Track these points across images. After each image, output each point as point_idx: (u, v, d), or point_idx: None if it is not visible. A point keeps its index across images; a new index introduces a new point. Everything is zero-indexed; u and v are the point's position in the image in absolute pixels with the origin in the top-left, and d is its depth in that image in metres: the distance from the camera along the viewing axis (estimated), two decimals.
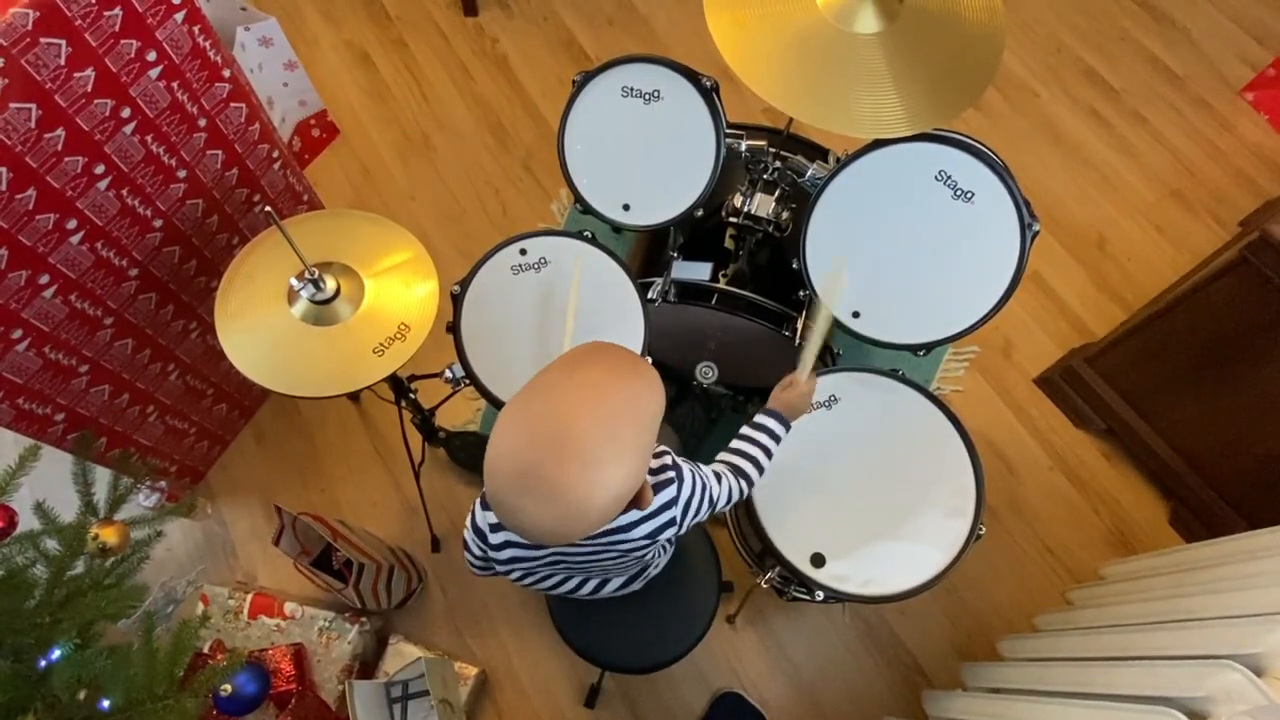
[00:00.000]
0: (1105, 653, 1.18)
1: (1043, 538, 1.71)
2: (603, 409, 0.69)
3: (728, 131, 1.25)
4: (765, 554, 1.26)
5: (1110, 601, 1.38)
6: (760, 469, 1.03)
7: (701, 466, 0.94)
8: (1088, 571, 1.67)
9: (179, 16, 1.13)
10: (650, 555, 1.07)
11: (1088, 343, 1.80)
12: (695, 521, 0.91)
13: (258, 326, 1.14)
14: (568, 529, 0.69)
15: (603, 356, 0.74)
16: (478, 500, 0.90)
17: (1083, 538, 1.71)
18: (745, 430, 1.04)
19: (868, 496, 1.21)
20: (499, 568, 0.94)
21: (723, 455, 1.04)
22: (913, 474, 1.22)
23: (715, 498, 0.93)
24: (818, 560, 1.17)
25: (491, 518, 0.87)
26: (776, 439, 1.04)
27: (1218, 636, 0.99)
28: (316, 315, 1.14)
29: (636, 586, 1.18)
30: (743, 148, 1.30)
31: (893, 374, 1.26)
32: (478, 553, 0.93)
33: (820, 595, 1.16)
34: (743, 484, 1.01)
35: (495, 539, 0.88)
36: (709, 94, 1.22)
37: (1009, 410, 1.84)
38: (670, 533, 0.89)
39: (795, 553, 1.17)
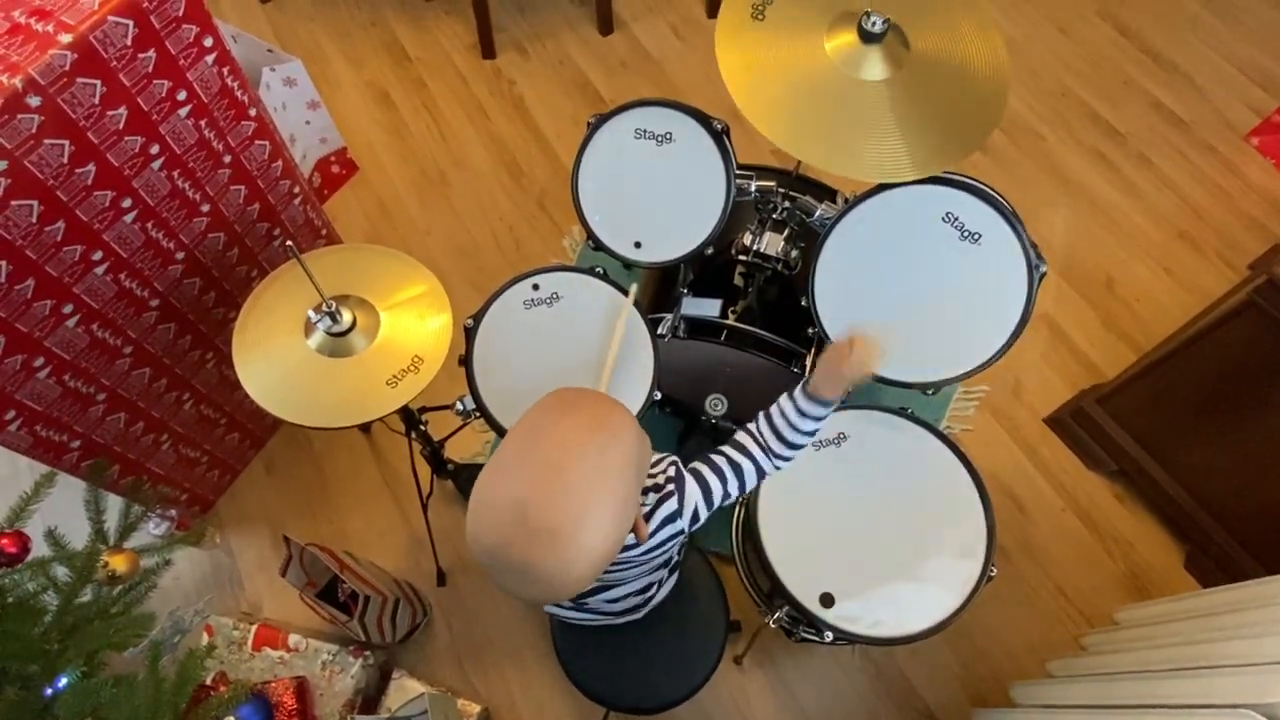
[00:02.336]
0: (1121, 700, 1.16)
1: (1055, 580, 1.69)
2: (565, 480, 0.69)
3: (738, 172, 1.28)
4: (774, 593, 1.24)
5: (1125, 647, 1.35)
6: (787, 454, 0.91)
7: (705, 469, 0.89)
8: (1101, 615, 1.64)
9: (210, 59, 1.17)
10: (665, 556, 1.04)
11: (1098, 383, 1.80)
12: (711, 515, 0.90)
13: (274, 357, 1.16)
14: (553, 597, 0.71)
15: (562, 416, 0.73)
16: None
17: (1096, 581, 1.69)
18: (775, 420, 0.90)
19: (877, 536, 1.20)
20: None
21: (753, 435, 0.92)
22: (923, 513, 1.21)
23: (730, 494, 0.89)
24: (827, 600, 1.16)
25: None
26: (812, 428, 0.89)
27: (1235, 685, 0.97)
28: (332, 347, 1.15)
29: (638, 616, 1.17)
30: (752, 188, 1.32)
31: (902, 412, 1.26)
32: None
33: (829, 636, 1.15)
34: (766, 464, 0.91)
35: None
36: (719, 136, 1.25)
37: (1019, 450, 1.83)
38: (679, 540, 0.90)
39: (804, 592, 1.16)
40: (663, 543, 0.87)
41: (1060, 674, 1.43)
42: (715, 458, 0.91)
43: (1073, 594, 1.68)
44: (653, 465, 0.89)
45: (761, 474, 0.91)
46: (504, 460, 0.71)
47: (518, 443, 0.72)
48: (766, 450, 0.91)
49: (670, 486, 0.87)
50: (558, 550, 0.68)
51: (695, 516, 0.88)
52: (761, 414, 0.92)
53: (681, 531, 0.88)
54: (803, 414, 0.88)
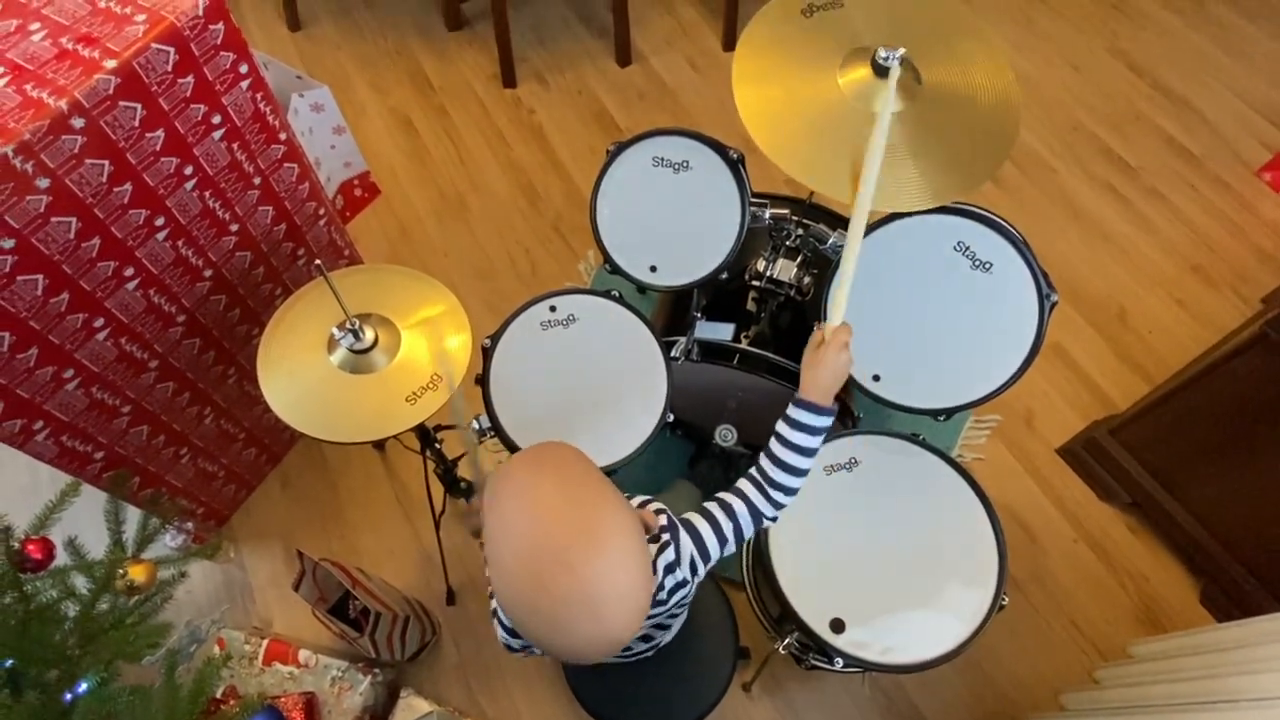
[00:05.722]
0: None
1: (1068, 612, 1.67)
2: (567, 507, 0.68)
3: (752, 200, 1.30)
4: (784, 619, 1.24)
5: (1140, 681, 1.34)
6: (783, 483, 0.90)
7: (698, 517, 0.90)
8: (1115, 649, 1.62)
9: (244, 84, 1.22)
10: (678, 607, 1.06)
11: (1111, 414, 1.79)
12: (713, 565, 0.89)
13: (297, 373, 1.18)
14: (628, 623, 0.68)
15: (514, 472, 0.72)
16: (497, 601, 0.90)
17: (1109, 613, 1.67)
18: (771, 444, 0.91)
19: (889, 562, 1.20)
20: (536, 650, 0.91)
21: (749, 474, 0.93)
22: (934, 541, 1.21)
23: (726, 539, 0.89)
24: (837, 626, 1.16)
25: None
26: (803, 443, 0.88)
27: (1252, 719, 0.96)
28: (354, 364, 1.18)
29: (649, 654, 1.17)
30: (766, 215, 1.35)
31: (914, 439, 1.27)
32: (519, 645, 0.91)
33: (840, 662, 1.15)
34: (762, 504, 0.91)
35: None
36: (735, 165, 1.27)
37: (1032, 480, 1.82)
38: (684, 592, 0.89)
39: (814, 618, 1.16)
40: (670, 592, 0.87)
41: (1073, 707, 1.41)
42: (709, 504, 0.91)
43: (1085, 626, 1.66)
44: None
45: (759, 517, 0.91)
46: (507, 562, 0.68)
47: (513, 542, 0.69)
48: (762, 486, 0.90)
49: (665, 536, 0.86)
50: (601, 560, 0.66)
51: (694, 566, 0.88)
52: (763, 450, 0.92)
53: (685, 582, 0.88)
54: (794, 425, 0.86)
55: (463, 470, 1.61)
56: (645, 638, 1.12)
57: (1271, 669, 1.06)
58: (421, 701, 1.51)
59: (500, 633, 0.92)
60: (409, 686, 1.55)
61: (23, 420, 1.21)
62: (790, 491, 0.91)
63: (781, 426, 0.90)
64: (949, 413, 1.24)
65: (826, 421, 0.88)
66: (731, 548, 0.90)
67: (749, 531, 0.91)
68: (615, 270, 1.35)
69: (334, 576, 1.39)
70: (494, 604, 0.94)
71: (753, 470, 0.92)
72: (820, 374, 0.86)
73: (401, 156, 2.33)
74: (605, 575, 0.66)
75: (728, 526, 0.89)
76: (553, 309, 1.27)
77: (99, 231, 1.14)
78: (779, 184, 2.18)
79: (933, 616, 1.16)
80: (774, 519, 0.92)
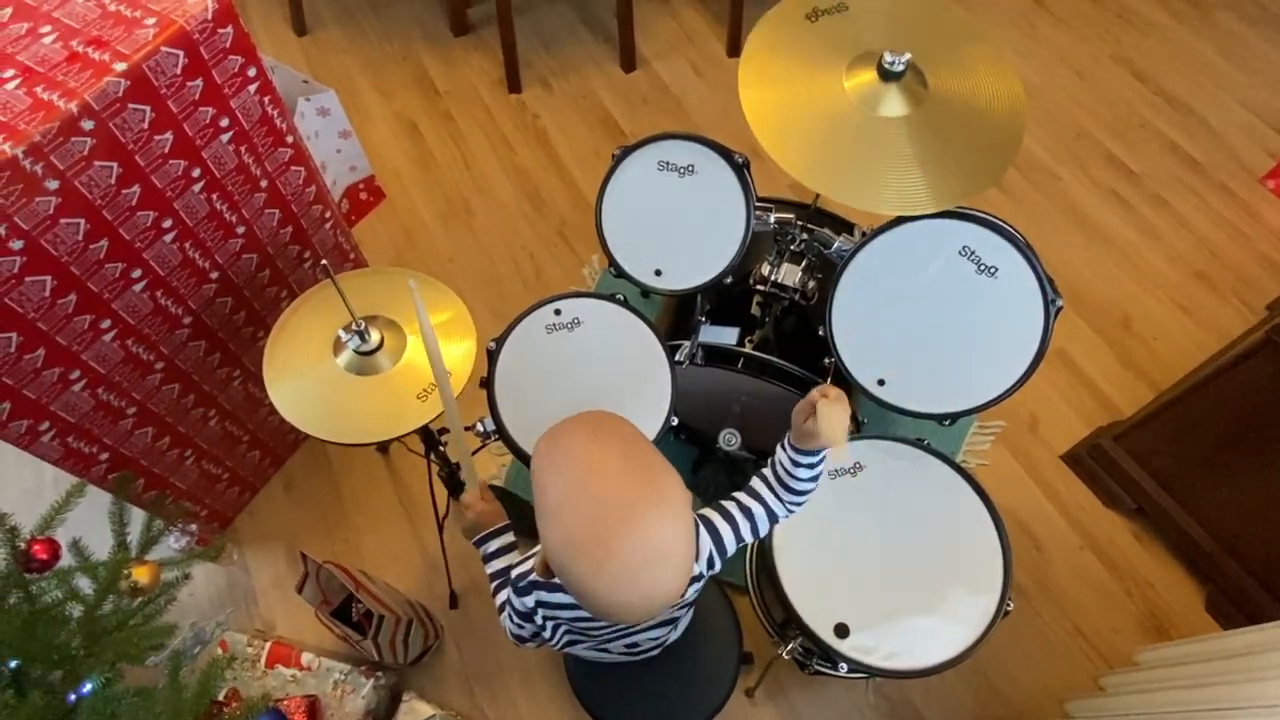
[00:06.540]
0: None
1: (1073, 619, 1.66)
2: (627, 465, 0.71)
3: (757, 204, 1.31)
4: (788, 623, 1.24)
5: (1145, 688, 1.33)
6: (792, 502, 0.93)
7: (717, 515, 0.92)
8: (1121, 656, 1.61)
9: (252, 88, 1.22)
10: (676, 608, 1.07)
11: (1115, 420, 1.79)
12: (725, 561, 0.91)
13: (303, 375, 1.19)
14: (676, 583, 0.70)
15: (569, 438, 0.75)
16: (508, 592, 0.92)
17: (1114, 621, 1.66)
18: (779, 466, 0.93)
19: (893, 567, 1.20)
20: (546, 634, 0.94)
21: (765, 478, 0.95)
22: (938, 546, 1.21)
23: (743, 539, 0.91)
24: (841, 631, 1.16)
25: (530, 601, 0.88)
26: (809, 475, 0.91)
27: None
28: (360, 366, 1.18)
29: (655, 652, 1.17)
30: (771, 220, 1.35)
31: (919, 443, 1.27)
32: (528, 633, 0.94)
33: (844, 668, 1.14)
34: (777, 506, 0.93)
35: (540, 616, 0.90)
36: (740, 170, 1.28)
37: (1036, 487, 1.82)
38: (697, 586, 0.90)
39: (819, 622, 1.16)
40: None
41: (1079, 715, 1.40)
42: (727, 504, 0.93)
43: (1090, 634, 1.65)
44: None
45: (774, 518, 0.93)
46: (567, 516, 0.70)
47: (574, 498, 0.70)
48: (777, 495, 0.93)
49: None
50: (658, 510, 0.69)
51: (710, 562, 0.90)
52: (770, 459, 0.94)
53: (700, 575, 0.90)
54: (795, 463, 0.90)
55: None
56: (653, 633, 1.12)
57: (1277, 676, 1.06)
58: (424, 705, 1.51)
59: (509, 625, 0.94)
60: (411, 690, 1.54)
61: (29, 421, 1.22)
62: (802, 499, 0.94)
63: (785, 460, 0.91)
64: (953, 417, 1.24)
65: (820, 458, 0.90)
66: (745, 543, 0.93)
67: (763, 531, 0.93)
68: (620, 274, 1.35)
69: (337, 579, 1.39)
70: (502, 597, 0.95)
71: (767, 476, 0.94)
72: (811, 436, 0.84)
73: (407, 161, 2.34)
74: (664, 530, 0.69)
75: (745, 528, 0.92)
76: (557, 312, 1.27)
77: (107, 233, 1.15)
78: (784, 188, 2.20)
79: (937, 622, 1.16)
80: (787, 515, 0.95)
